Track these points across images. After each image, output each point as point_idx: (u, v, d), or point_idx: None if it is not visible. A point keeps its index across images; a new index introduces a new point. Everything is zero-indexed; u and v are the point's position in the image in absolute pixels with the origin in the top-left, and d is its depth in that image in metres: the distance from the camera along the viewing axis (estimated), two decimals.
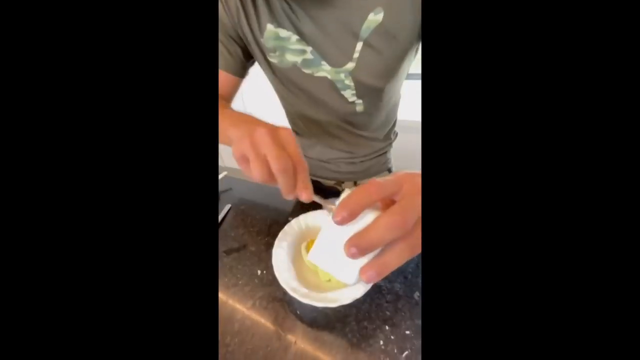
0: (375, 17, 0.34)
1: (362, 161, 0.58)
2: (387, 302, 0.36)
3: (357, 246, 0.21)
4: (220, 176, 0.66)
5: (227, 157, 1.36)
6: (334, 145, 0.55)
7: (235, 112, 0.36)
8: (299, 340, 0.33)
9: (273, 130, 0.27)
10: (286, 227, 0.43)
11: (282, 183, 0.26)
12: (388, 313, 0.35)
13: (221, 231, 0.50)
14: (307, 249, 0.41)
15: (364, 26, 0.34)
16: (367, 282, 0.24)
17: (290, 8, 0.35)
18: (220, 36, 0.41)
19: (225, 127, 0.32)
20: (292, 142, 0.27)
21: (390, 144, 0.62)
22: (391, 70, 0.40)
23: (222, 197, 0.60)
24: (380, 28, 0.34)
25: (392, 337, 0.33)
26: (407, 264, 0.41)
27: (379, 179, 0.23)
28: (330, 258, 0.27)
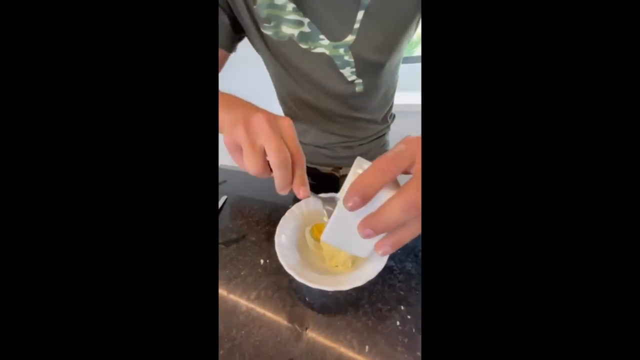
0: None
1: (360, 144, 0.55)
2: (399, 282, 0.34)
3: (372, 228, 0.20)
4: None
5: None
6: (330, 129, 0.52)
7: (228, 94, 0.33)
8: (310, 328, 0.31)
9: (272, 118, 0.24)
10: (287, 213, 0.41)
11: (279, 177, 0.24)
12: (402, 293, 0.33)
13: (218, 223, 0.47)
14: (312, 233, 0.39)
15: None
16: (383, 255, 0.23)
17: None
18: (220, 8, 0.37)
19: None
20: (292, 133, 0.25)
21: (388, 127, 0.60)
22: (392, 42, 0.37)
23: (218, 190, 0.57)
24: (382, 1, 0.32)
25: (409, 317, 0.31)
26: (417, 241, 0.39)
27: (390, 153, 0.21)
28: (344, 237, 0.25)
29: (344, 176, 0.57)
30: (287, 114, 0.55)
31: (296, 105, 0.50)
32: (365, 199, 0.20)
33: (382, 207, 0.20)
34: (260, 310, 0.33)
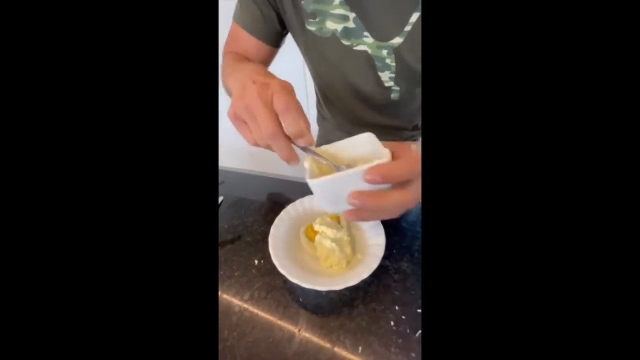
0: None
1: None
2: (394, 281, 0.34)
3: (362, 203, 0.23)
4: None
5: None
6: (354, 131, 0.52)
7: (243, 62, 0.33)
8: (303, 328, 0.30)
9: (263, 88, 0.23)
10: (282, 213, 0.40)
11: (275, 148, 0.24)
12: (397, 293, 0.33)
13: None
14: (306, 233, 0.39)
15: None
16: (348, 218, 0.26)
17: None
18: None
19: (226, 76, 0.29)
20: (285, 96, 0.23)
21: (419, 133, 0.56)
22: None
23: None
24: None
25: (404, 317, 0.30)
26: (412, 241, 0.39)
27: (418, 152, 0.24)
28: (329, 194, 0.26)
29: None
30: (318, 108, 0.53)
31: (324, 99, 0.47)
32: (384, 182, 0.22)
33: (381, 193, 0.23)
34: (253, 311, 0.33)
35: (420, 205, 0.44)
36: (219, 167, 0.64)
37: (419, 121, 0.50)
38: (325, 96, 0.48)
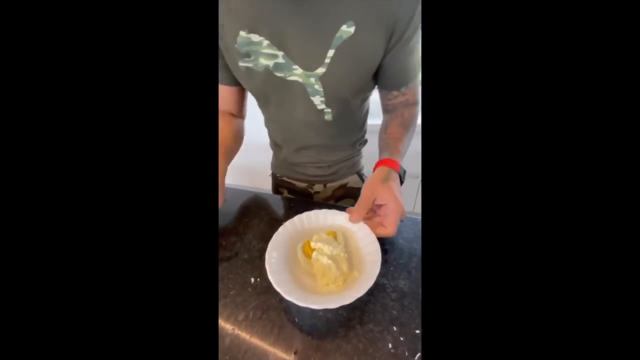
0: (347, 29, 0.34)
1: (329, 166, 0.58)
2: (392, 300, 0.33)
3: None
4: None
5: None
6: (301, 151, 0.56)
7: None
8: (299, 350, 0.30)
9: None
10: (280, 229, 0.40)
11: None
12: (395, 312, 0.32)
13: None
14: (303, 250, 0.38)
15: (337, 35, 0.35)
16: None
17: (271, 12, 0.35)
18: (220, 55, 0.43)
19: None
20: None
21: (358, 152, 0.62)
22: (359, 82, 0.40)
23: None
24: (352, 40, 0.35)
25: (402, 339, 0.29)
26: (411, 258, 0.38)
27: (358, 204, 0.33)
28: None
29: (317, 192, 0.63)
30: (267, 130, 0.60)
31: (273, 126, 0.55)
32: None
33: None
34: (247, 332, 0.32)
35: (416, 221, 0.44)
36: None
37: (357, 139, 0.57)
38: (272, 122, 0.55)
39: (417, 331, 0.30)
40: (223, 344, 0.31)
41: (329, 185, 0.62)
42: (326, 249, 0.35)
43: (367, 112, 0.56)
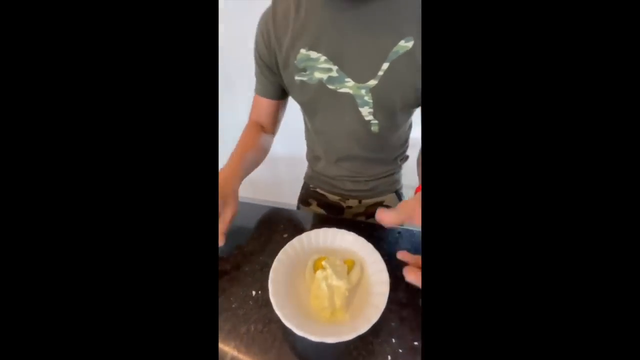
0: (405, 44, 0.36)
1: (366, 181, 0.58)
2: (391, 312, 0.34)
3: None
4: None
5: None
6: (340, 163, 0.56)
7: (232, 167, 0.45)
8: None
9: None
10: (287, 247, 0.39)
11: None
12: (393, 324, 0.32)
13: None
14: (314, 265, 0.37)
15: (394, 49, 0.36)
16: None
17: (329, 31, 0.38)
18: (262, 69, 0.47)
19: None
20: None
21: (399, 167, 0.61)
22: (409, 96, 0.41)
23: None
24: (408, 55, 0.36)
25: (401, 351, 0.30)
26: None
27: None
28: None
29: (350, 207, 0.62)
30: (307, 141, 0.61)
31: (316, 137, 0.55)
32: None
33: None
34: (248, 346, 0.32)
35: (413, 233, 0.45)
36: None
37: (399, 154, 0.57)
38: (316, 134, 0.55)
39: (416, 343, 0.30)
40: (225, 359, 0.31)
41: (364, 201, 0.61)
42: (331, 274, 0.33)
43: (410, 127, 0.56)
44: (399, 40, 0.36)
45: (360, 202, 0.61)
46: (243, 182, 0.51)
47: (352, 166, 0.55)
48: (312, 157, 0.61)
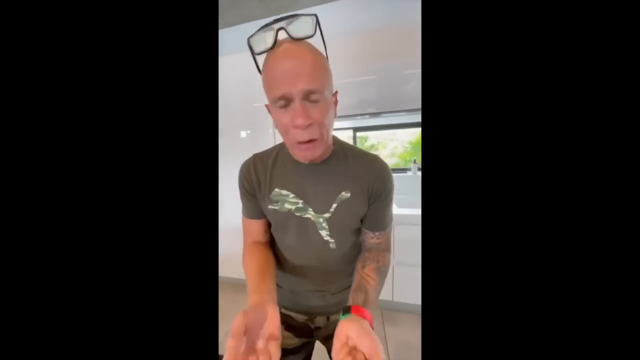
0: (345, 194, 0.59)
1: (333, 294, 0.68)
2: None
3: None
4: None
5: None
6: (307, 276, 0.68)
7: (255, 272, 0.53)
8: None
9: (241, 320, 0.36)
10: None
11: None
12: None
13: None
14: None
15: (339, 197, 0.59)
16: None
17: (296, 179, 0.58)
18: (246, 196, 0.62)
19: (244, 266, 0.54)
20: (234, 323, 0.35)
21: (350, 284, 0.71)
22: (352, 225, 0.63)
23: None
24: (348, 200, 0.59)
25: None
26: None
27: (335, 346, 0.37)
28: None
29: (318, 328, 0.69)
30: (277, 260, 0.72)
31: (284, 252, 0.69)
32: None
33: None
34: None
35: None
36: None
37: (351, 270, 0.70)
38: (284, 248, 0.69)
39: None
40: None
41: (332, 318, 0.68)
42: None
43: (360, 243, 0.72)
44: (341, 192, 0.59)
45: (328, 319, 0.70)
46: (240, 262, 0.61)
47: (318, 278, 0.67)
48: (281, 275, 0.71)
